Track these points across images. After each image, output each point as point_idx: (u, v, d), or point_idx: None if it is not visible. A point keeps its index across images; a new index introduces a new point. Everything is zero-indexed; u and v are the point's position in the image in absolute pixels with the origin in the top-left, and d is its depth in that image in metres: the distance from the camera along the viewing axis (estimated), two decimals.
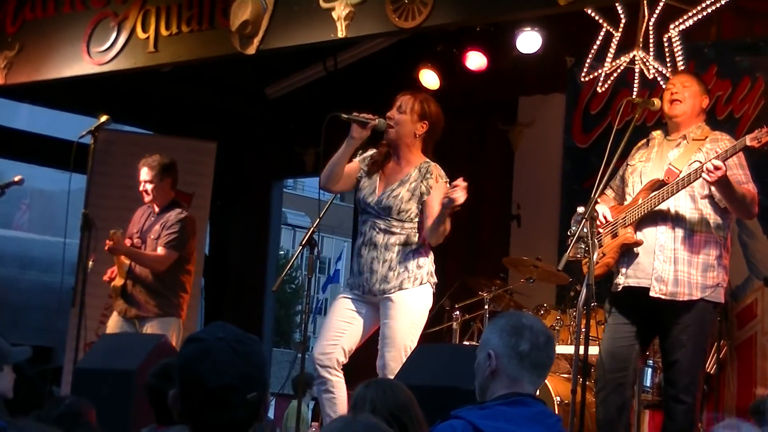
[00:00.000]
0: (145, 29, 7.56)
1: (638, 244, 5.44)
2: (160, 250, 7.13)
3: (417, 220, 5.64)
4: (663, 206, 5.37)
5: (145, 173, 7.24)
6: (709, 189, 5.35)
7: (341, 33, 6.64)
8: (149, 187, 7.23)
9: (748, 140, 5.11)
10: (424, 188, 5.60)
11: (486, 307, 7.48)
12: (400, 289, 5.54)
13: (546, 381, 6.47)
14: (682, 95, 5.50)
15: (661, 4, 7.29)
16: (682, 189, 5.31)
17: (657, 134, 5.66)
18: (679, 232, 5.36)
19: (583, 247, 5.30)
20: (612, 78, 7.69)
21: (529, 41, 8.45)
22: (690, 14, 7.33)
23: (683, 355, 5.31)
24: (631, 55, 7.51)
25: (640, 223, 5.45)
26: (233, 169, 10.89)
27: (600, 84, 7.77)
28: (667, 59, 7.40)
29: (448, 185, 5.60)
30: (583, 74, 7.83)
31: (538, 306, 7.39)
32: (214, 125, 10.82)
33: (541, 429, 3.24)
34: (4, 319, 11.00)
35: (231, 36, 7.07)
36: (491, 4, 6.52)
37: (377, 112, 5.69)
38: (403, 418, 3.75)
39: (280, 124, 10.74)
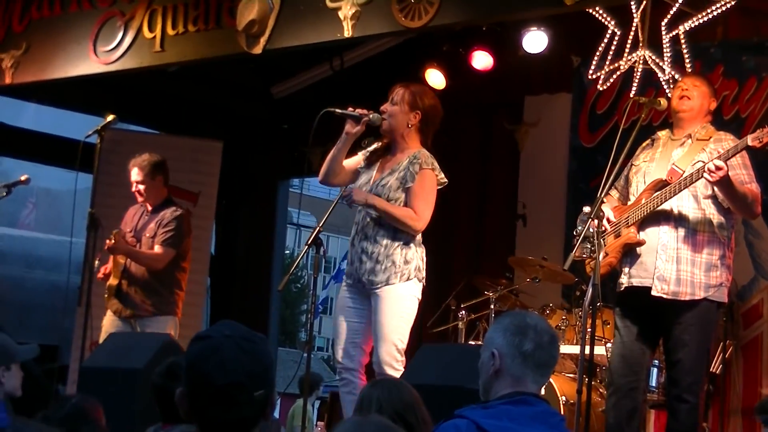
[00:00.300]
0: (151, 29, 7.57)
1: (641, 244, 5.45)
2: (158, 248, 7.14)
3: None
4: (666, 206, 5.38)
5: (135, 173, 7.24)
6: (712, 189, 5.35)
7: (347, 33, 6.64)
8: (141, 187, 7.24)
9: (750, 140, 5.12)
10: (410, 176, 5.62)
11: (492, 306, 7.47)
12: (387, 284, 5.56)
13: (551, 381, 6.48)
14: (691, 93, 5.54)
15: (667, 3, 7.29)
16: (684, 189, 5.31)
17: (662, 134, 5.67)
18: (682, 232, 5.37)
19: (589, 246, 5.31)
20: (614, 77, 7.69)
21: (535, 41, 8.45)
22: (697, 15, 7.33)
23: (686, 355, 5.31)
24: (638, 54, 7.50)
25: (643, 223, 5.46)
26: (239, 168, 10.89)
27: (601, 83, 7.77)
28: (671, 58, 7.40)
29: (436, 174, 5.64)
30: (590, 72, 7.82)
31: (543, 306, 7.39)
32: (220, 125, 10.83)
33: (545, 428, 3.24)
34: (10, 317, 11.00)
35: (237, 35, 7.07)
36: (497, 3, 6.52)
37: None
38: (409, 417, 3.76)
39: (286, 123, 10.75)
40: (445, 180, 5.72)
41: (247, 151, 11.04)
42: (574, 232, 5.50)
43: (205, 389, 2.54)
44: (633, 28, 7.43)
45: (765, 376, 7.53)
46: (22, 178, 7.53)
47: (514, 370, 3.31)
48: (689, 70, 7.14)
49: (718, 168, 5.09)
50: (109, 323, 7.23)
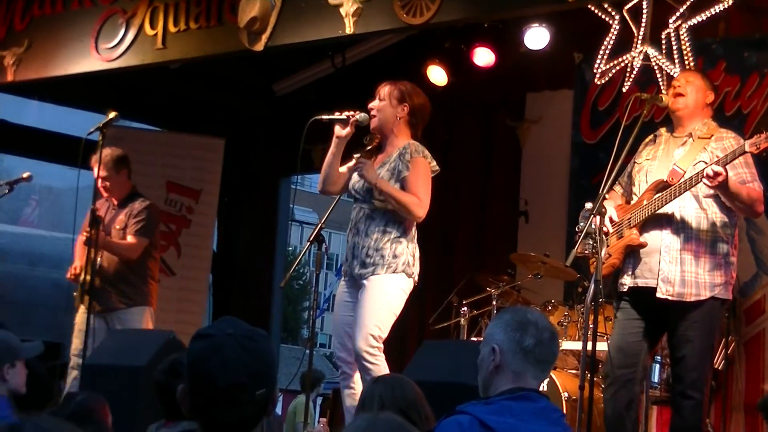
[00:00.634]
0: (153, 26, 7.57)
1: (642, 246, 5.45)
2: (131, 238, 7.16)
3: None
4: (668, 207, 5.37)
5: (99, 169, 7.29)
6: (715, 190, 5.35)
7: (349, 30, 6.64)
8: (107, 182, 7.27)
9: (747, 146, 5.14)
10: (402, 166, 5.63)
11: (494, 303, 7.47)
12: (373, 274, 5.57)
13: (554, 377, 6.48)
14: (684, 90, 5.53)
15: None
16: (685, 191, 5.31)
17: (664, 131, 5.67)
18: (684, 233, 5.37)
19: (591, 243, 5.30)
20: (611, 73, 7.70)
21: (536, 37, 8.44)
22: (699, 7, 7.33)
23: (690, 351, 5.31)
24: (639, 51, 7.50)
25: (646, 225, 5.46)
26: (241, 165, 10.89)
27: (597, 77, 7.78)
28: (675, 55, 7.41)
29: (428, 161, 5.66)
30: (595, 76, 7.82)
31: (545, 302, 7.39)
32: (221, 122, 10.83)
33: (546, 424, 3.24)
34: (13, 315, 11.01)
35: (239, 33, 7.07)
36: (499, 0, 6.52)
37: None
38: (412, 414, 3.77)
39: (287, 120, 10.75)
40: (437, 168, 5.74)
41: (249, 149, 11.04)
42: (576, 229, 5.50)
43: (207, 388, 2.53)
44: (634, 25, 7.43)
45: (767, 372, 7.52)
46: (24, 175, 7.54)
47: (515, 365, 3.32)
48: (688, 67, 7.14)
49: (716, 174, 5.09)
50: (81, 321, 7.25)
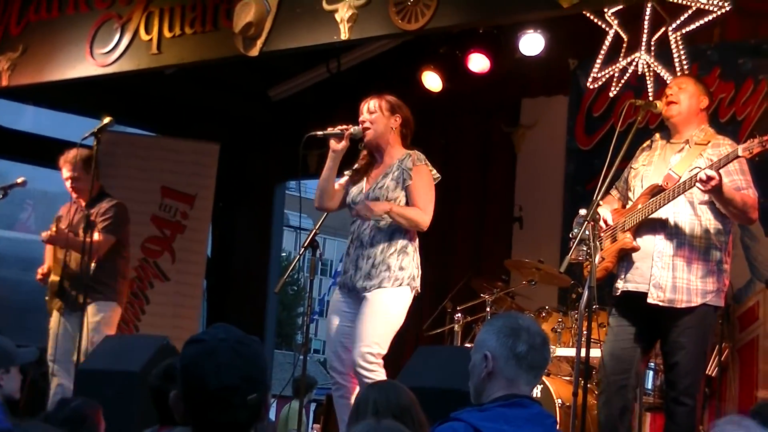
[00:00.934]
0: (148, 31, 7.57)
1: (635, 249, 5.45)
2: (97, 236, 7.14)
3: None
4: (662, 213, 5.37)
5: (67, 170, 7.31)
6: (709, 195, 5.35)
7: (344, 35, 6.64)
8: (77, 183, 7.29)
9: (740, 151, 5.13)
10: (406, 174, 5.65)
11: (488, 309, 7.47)
12: (379, 287, 5.56)
13: (547, 383, 6.48)
14: (677, 97, 5.52)
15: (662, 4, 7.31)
16: (679, 196, 5.31)
17: (659, 136, 5.67)
18: (678, 239, 5.36)
19: (585, 249, 5.30)
20: (615, 79, 7.70)
21: (531, 43, 8.46)
22: (693, 12, 7.35)
23: (683, 358, 5.30)
24: (634, 57, 7.52)
25: (639, 229, 5.45)
26: (236, 170, 10.89)
27: (590, 81, 7.78)
28: (673, 61, 7.42)
29: (429, 169, 5.68)
30: (589, 81, 7.83)
31: (539, 308, 7.39)
32: (217, 127, 10.83)
33: (540, 430, 3.25)
34: (7, 320, 10.99)
35: (234, 38, 7.07)
36: (494, 6, 6.53)
37: None
38: (406, 419, 3.76)
39: (283, 125, 10.75)
40: (438, 176, 5.76)
41: (244, 154, 11.04)
42: (570, 235, 5.50)
43: (200, 393, 2.54)
44: (627, 31, 7.45)
45: (761, 378, 7.53)
46: (19, 180, 7.54)
47: (508, 372, 3.32)
48: (680, 73, 7.15)
49: (710, 178, 5.08)
50: (56, 323, 7.26)
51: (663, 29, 7.51)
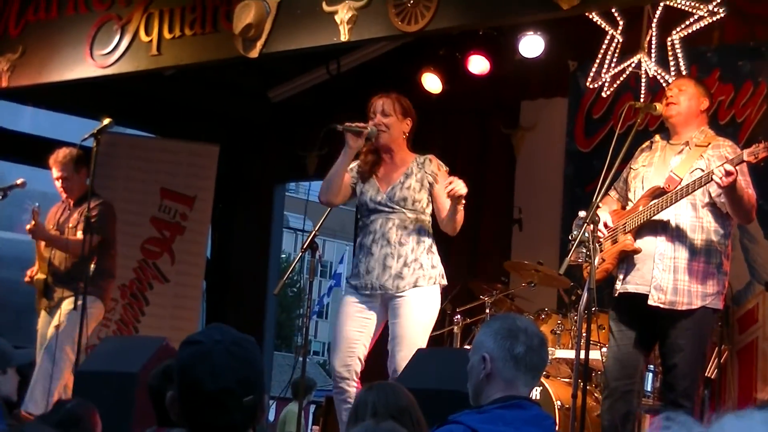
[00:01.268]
0: (148, 32, 7.57)
1: (636, 251, 5.45)
2: (80, 234, 7.13)
3: (429, 212, 5.69)
4: (663, 215, 5.37)
5: (56, 170, 7.31)
6: (709, 196, 5.35)
7: (344, 37, 6.64)
8: (67, 182, 7.31)
9: (746, 155, 5.13)
10: (430, 178, 5.67)
11: (487, 311, 7.47)
12: (415, 286, 5.57)
13: (547, 385, 6.48)
14: (677, 98, 5.53)
15: (660, 7, 7.31)
16: (682, 198, 5.31)
17: (659, 138, 5.67)
18: (679, 241, 5.36)
19: (585, 251, 5.30)
20: (617, 82, 7.70)
21: (531, 45, 8.45)
22: (693, 19, 7.35)
23: (681, 360, 5.30)
24: (635, 59, 7.51)
25: (640, 231, 5.45)
26: (235, 172, 10.89)
27: (590, 81, 7.78)
28: (671, 63, 7.42)
29: (448, 173, 5.70)
30: (588, 81, 7.83)
31: (539, 310, 7.38)
32: (216, 128, 10.83)
33: (539, 431, 3.24)
34: (6, 321, 10.99)
35: (234, 39, 7.07)
36: (494, 8, 6.53)
37: None
38: (404, 420, 3.76)
39: (282, 127, 10.75)
40: None
41: (244, 155, 11.04)
42: (570, 237, 5.50)
43: (196, 395, 2.54)
44: (627, 33, 7.45)
45: (760, 380, 7.52)
46: (18, 181, 7.55)
47: (506, 373, 3.31)
48: (678, 74, 7.15)
49: (728, 173, 5.08)
50: (44, 323, 7.26)
51: (662, 32, 7.50)
